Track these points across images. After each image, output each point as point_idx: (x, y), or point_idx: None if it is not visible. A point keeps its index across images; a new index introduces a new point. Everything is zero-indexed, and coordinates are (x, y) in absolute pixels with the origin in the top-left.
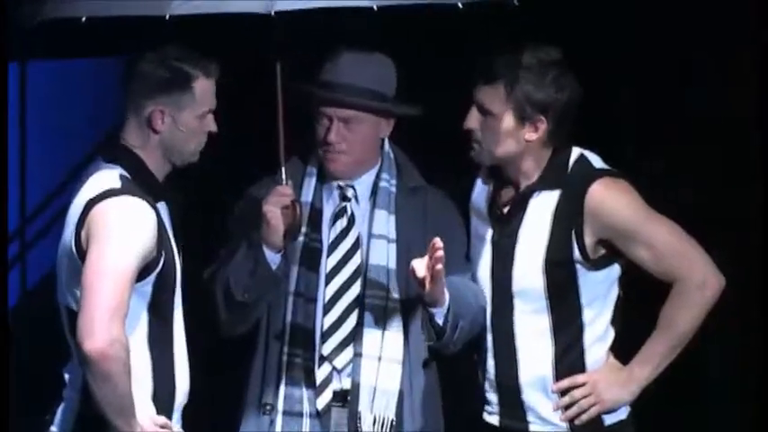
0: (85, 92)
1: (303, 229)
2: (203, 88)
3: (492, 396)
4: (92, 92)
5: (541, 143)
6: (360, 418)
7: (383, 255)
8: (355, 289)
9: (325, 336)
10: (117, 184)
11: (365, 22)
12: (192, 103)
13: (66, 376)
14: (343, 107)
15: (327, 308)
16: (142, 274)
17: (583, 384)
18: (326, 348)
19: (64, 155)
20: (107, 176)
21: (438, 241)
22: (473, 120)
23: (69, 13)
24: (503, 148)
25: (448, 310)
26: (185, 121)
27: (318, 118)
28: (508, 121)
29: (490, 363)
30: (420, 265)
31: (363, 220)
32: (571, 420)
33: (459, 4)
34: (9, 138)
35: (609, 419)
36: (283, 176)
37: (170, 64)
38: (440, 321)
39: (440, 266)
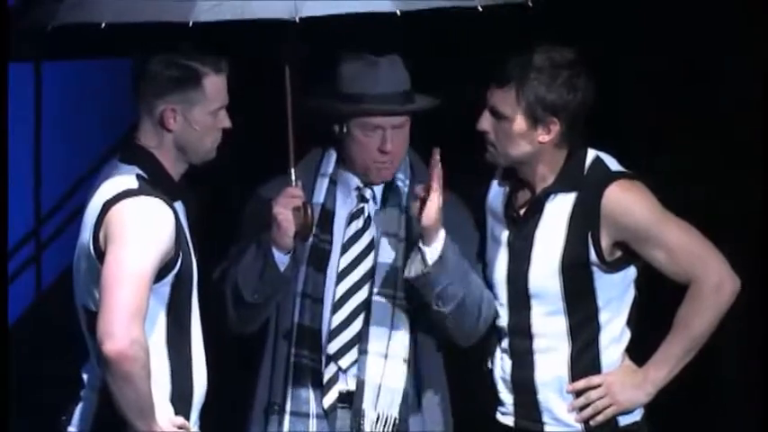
0: (100, 92)
1: (313, 231)
2: (214, 84)
3: (507, 396)
4: (106, 92)
5: (555, 145)
6: (363, 416)
7: (392, 253)
8: (366, 289)
9: (333, 335)
10: (134, 185)
11: (382, 24)
12: (203, 99)
13: (85, 376)
14: (399, 115)
15: (336, 307)
16: (160, 275)
17: (598, 386)
18: (332, 347)
19: (78, 155)
20: (124, 177)
21: (436, 151)
22: (486, 122)
23: (90, 18)
24: (516, 150)
25: (440, 257)
26: (198, 118)
27: (365, 130)
28: (520, 123)
29: (507, 363)
30: (424, 186)
31: (378, 220)
32: (586, 421)
33: (479, 7)
34: (24, 138)
35: (623, 420)
36: (293, 178)
37: (178, 62)
38: (429, 260)
39: (436, 181)
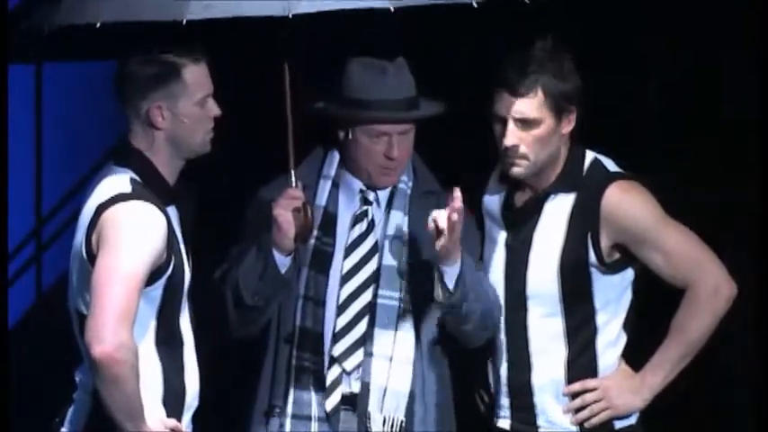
0: (100, 93)
1: (315, 233)
2: (194, 74)
3: (504, 399)
4: (107, 92)
5: (568, 137)
6: (369, 419)
7: (397, 256)
8: (370, 291)
9: (337, 337)
10: (127, 189)
11: (377, 25)
12: (186, 91)
13: (78, 378)
14: (406, 123)
15: (341, 309)
16: (152, 279)
17: (594, 389)
18: (337, 350)
19: (79, 156)
20: (117, 181)
21: (457, 191)
22: (513, 136)
23: (84, 19)
24: (548, 149)
25: (460, 275)
26: (184, 110)
27: (371, 136)
28: (549, 122)
29: (503, 366)
30: (441, 216)
31: (382, 222)
32: (581, 424)
33: (474, 3)
34: (25, 139)
35: (619, 424)
36: (293, 179)
37: (155, 59)
38: (450, 283)
39: (456, 217)
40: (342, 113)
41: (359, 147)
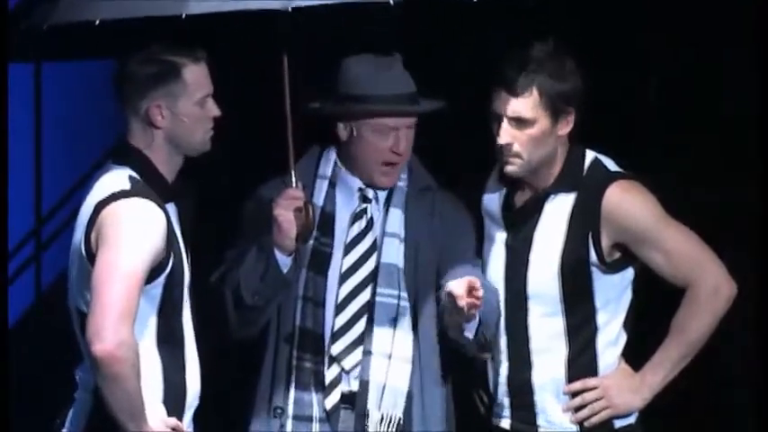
0: (100, 92)
1: (314, 233)
2: (194, 74)
3: (504, 399)
4: (106, 92)
5: (566, 138)
6: (367, 416)
7: (394, 253)
8: (369, 289)
9: (336, 336)
10: (126, 186)
11: (377, 23)
12: (186, 91)
13: (78, 377)
14: (413, 116)
15: (340, 308)
16: (151, 277)
17: (594, 388)
18: (336, 349)
19: (79, 155)
20: (116, 178)
21: (477, 282)
22: (507, 134)
23: (84, 16)
24: (542, 150)
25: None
26: (184, 110)
27: (379, 132)
28: (544, 122)
29: (503, 365)
30: (460, 291)
31: (380, 220)
32: (581, 423)
33: None
34: (25, 138)
35: (618, 423)
36: (293, 179)
37: (155, 58)
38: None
39: (475, 311)
40: (348, 109)
41: (363, 143)
